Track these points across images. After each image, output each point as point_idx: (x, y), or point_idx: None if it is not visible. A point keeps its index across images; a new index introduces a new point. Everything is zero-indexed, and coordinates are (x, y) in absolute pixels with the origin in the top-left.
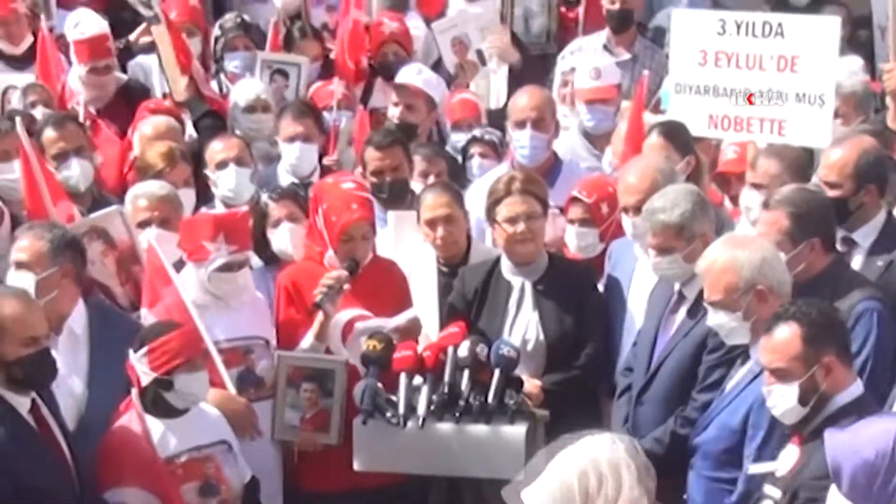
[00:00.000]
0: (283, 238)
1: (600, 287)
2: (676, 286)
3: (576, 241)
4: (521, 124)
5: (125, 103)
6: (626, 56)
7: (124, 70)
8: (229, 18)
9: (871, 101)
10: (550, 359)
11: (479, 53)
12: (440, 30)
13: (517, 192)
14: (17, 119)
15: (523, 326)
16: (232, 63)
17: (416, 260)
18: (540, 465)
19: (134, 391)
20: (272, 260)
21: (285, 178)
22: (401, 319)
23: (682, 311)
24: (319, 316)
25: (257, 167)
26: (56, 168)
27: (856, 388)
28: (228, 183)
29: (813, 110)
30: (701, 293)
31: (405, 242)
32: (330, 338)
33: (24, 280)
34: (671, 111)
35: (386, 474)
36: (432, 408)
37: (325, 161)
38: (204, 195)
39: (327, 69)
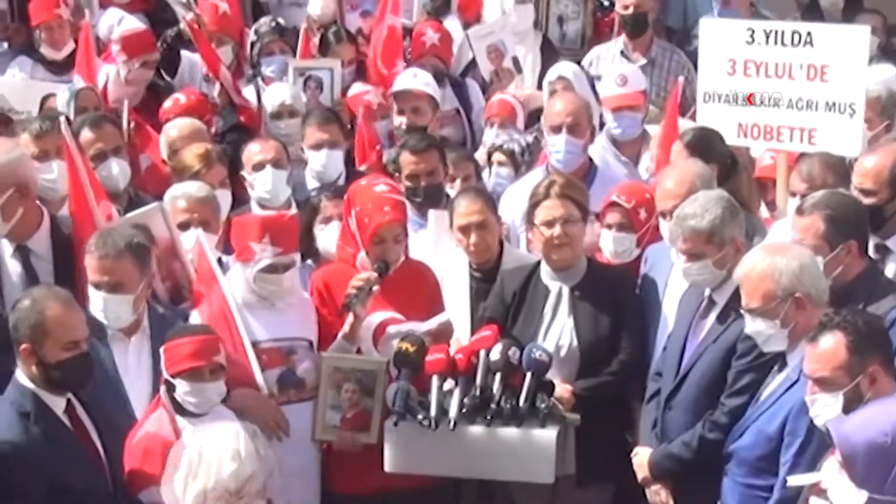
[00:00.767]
0: (332, 237)
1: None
2: (706, 291)
3: (613, 246)
4: (556, 129)
5: (154, 102)
6: (643, 61)
7: (168, 66)
8: (265, 23)
9: None
10: (583, 364)
11: (515, 61)
12: (476, 36)
13: (555, 195)
14: (63, 118)
15: (558, 331)
16: (268, 68)
17: (449, 264)
18: None
19: (162, 388)
20: (312, 257)
21: (311, 184)
22: (433, 323)
23: (712, 317)
24: (350, 317)
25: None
26: (94, 168)
27: None
28: (265, 185)
29: (843, 119)
30: (731, 299)
31: (444, 243)
32: (361, 339)
33: (122, 301)
34: (700, 120)
35: (417, 476)
36: (464, 410)
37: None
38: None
39: (362, 73)
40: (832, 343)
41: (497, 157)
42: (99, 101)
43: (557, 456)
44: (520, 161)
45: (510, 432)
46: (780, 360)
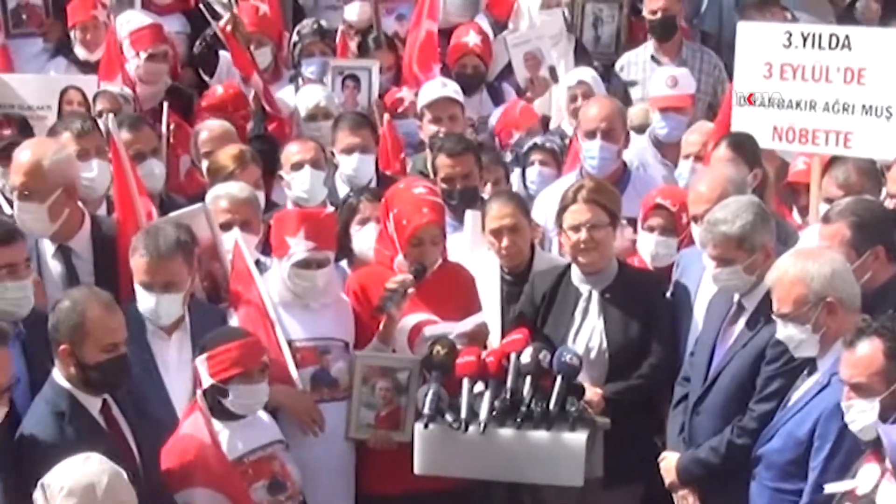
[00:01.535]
0: (368, 238)
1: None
2: (736, 297)
3: (655, 249)
4: (590, 134)
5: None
6: (673, 64)
7: (206, 65)
8: (306, 24)
9: None
10: (612, 367)
11: (552, 70)
12: (514, 43)
13: (582, 200)
14: (110, 116)
15: (587, 334)
16: (308, 69)
17: (481, 267)
18: None
19: (199, 392)
20: (347, 258)
21: (342, 189)
22: (469, 325)
23: (741, 322)
24: (384, 319)
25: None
26: None
27: None
28: (303, 184)
29: (879, 122)
30: (760, 304)
31: (479, 244)
32: (396, 341)
33: (174, 301)
34: (735, 123)
35: (446, 478)
36: (494, 413)
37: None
38: None
39: (400, 79)
40: (870, 349)
41: (538, 156)
42: (119, 105)
43: (586, 459)
44: (561, 161)
45: (540, 435)
46: (809, 364)
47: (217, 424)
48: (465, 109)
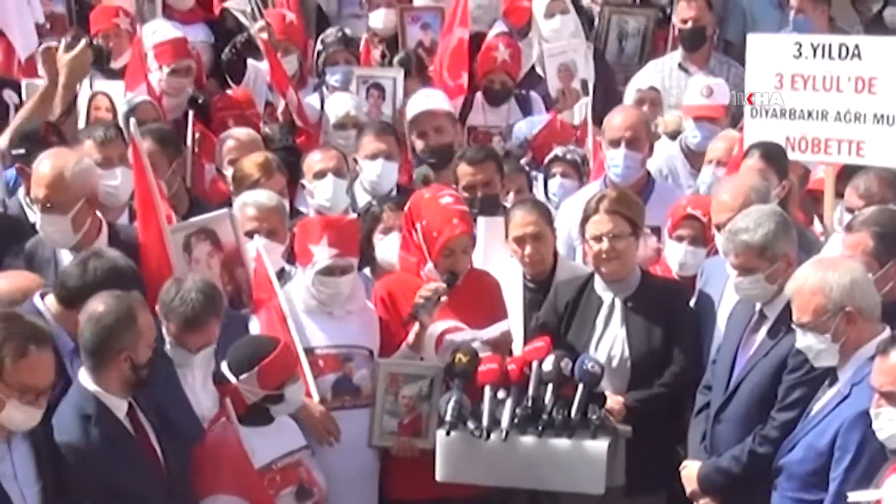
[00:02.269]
0: (391, 247)
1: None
2: (757, 306)
3: (684, 258)
4: (615, 143)
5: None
6: (701, 75)
7: (234, 73)
8: (331, 33)
9: None
10: (634, 376)
11: (584, 84)
12: (550, 53)
13: (604, 210)
14: (132, 121)
15: (610, 342)
16: (333, 77)
17: (503, 274)
18: None
19: (228, 401)
20: (370, 266)
21: (362, 196)
22: (493, 332)
23: (763, 331)
24: (416, 326)
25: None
26: None
27: None
28: (325, 193)
29: (891, 131)
30: (782, 313)
31: (492, 249)
32: (425, 348)
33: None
34: (748, 135)
35: (468, 486)
36: (516, 421)
37: None
38: None
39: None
40: None
41: (559, 167)
42: (158, 114)
43: (608, 467)
44: (583, 171)
45: (562, 443)
46: (830, 374)
47: (244, 431)
48: (455, 117)
